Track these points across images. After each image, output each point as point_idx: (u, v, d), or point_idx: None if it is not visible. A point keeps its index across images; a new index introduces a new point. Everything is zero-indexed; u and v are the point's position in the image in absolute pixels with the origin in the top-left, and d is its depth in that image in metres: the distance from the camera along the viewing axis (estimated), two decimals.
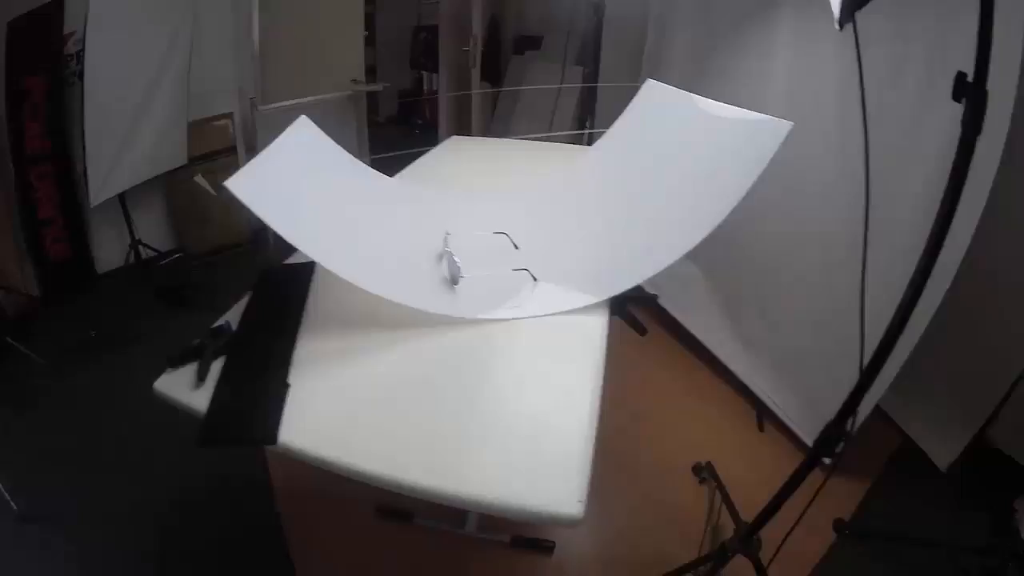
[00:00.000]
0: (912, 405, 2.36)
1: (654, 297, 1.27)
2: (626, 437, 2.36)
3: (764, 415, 2.49)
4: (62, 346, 2.72)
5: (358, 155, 4.09)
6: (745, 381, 2.60)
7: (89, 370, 2.60)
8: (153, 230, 3.38)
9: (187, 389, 0.97)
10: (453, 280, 1.26)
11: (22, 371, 2.52)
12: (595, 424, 0.97)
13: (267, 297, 1.17)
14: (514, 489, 0.85)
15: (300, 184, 1.22)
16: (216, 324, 1.11)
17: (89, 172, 2.58)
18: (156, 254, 3.32)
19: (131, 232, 3.11)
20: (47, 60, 2.63)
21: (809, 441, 2.26)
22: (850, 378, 1.86)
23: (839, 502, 2.07)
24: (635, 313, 1.32)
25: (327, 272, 1.06)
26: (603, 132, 1.77)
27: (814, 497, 1.33)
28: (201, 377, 0.98)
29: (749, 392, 2.58)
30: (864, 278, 1.25)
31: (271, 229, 0.99)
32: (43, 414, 2.35)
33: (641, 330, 1.35)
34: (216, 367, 1.01)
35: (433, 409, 1.00)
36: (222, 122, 3.48)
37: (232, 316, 1.14)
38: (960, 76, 0.99)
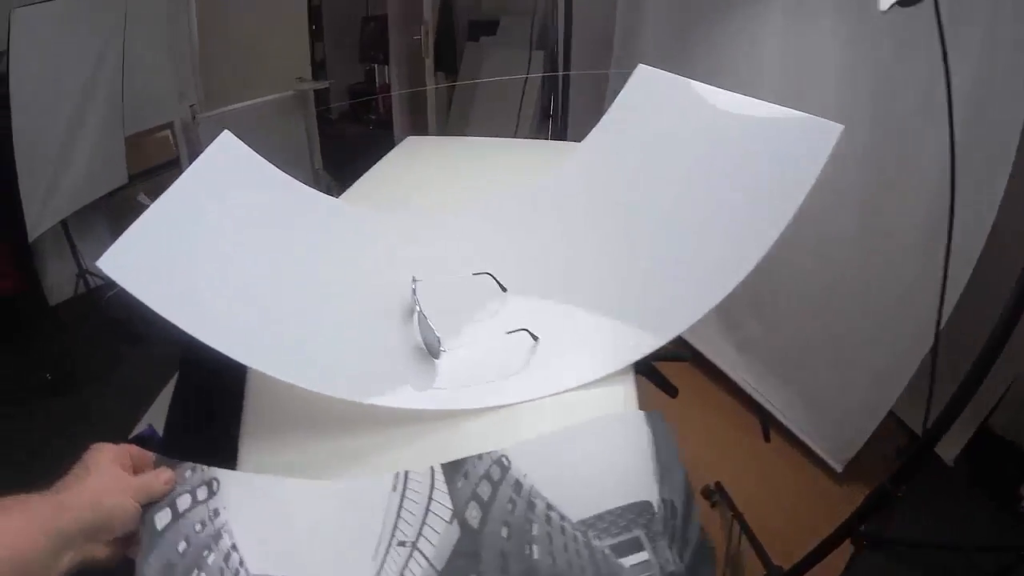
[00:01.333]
0: (917, 398, 2.20)
1: (688, 355, 1.01)
2: None
3: (769, 423, 2.38)
4: (17, 392, 2.52)
5: (308, 158, 3.94)
6: (746, 388, 2.49)
7: (48, 418, 2.40)
8: (100, 256, 3.14)
9: None
10: (431, 352, 0.90)
11: None
12: None
13: (194, 390, 0.92)
14: None
15: (212, 241, 0.93)
16: (136, 432, 0.89)
17: (24, 204, 2.37)
18: (104, 283, 3.12)
19: (78, 261, 2.93)
20: None
21: (818, 449, 2.19)
22: (857, 380, 1.86)
23: (853, 508, 1.88)
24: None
25: None
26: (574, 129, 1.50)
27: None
28: None
29: (751, 400, 2.46)
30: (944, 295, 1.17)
31: None
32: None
33: (672, 391, 1.06)
34: None
35: None
36: (162, 133, 3.26)
37: (156, 415, 0.92)
38: None
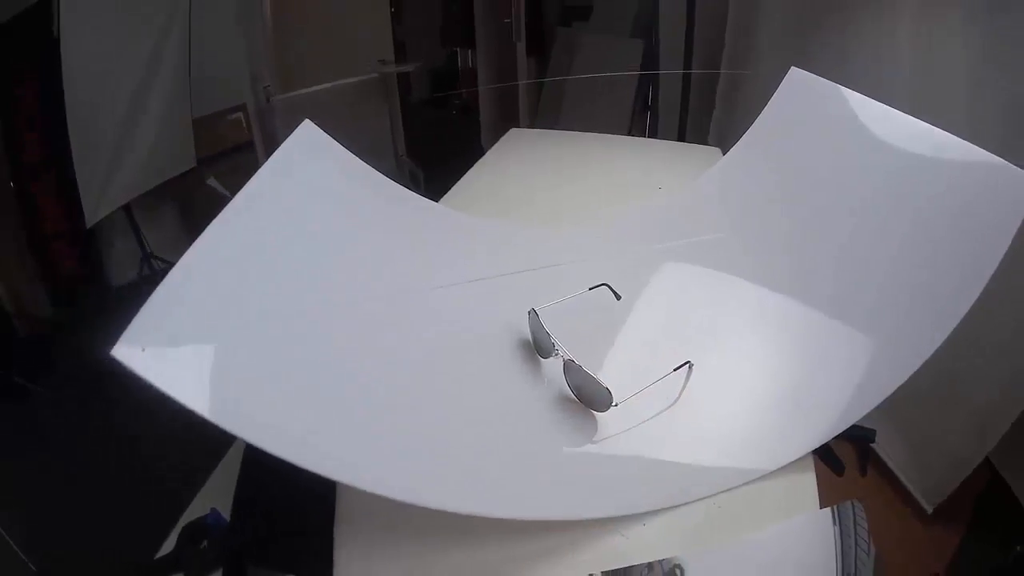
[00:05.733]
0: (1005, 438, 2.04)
1: (872, 433, 0.83)
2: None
3: (866, 456, 2.12)
4: (75, 375, 2.40)
5: (391, 144, 3.75)
6: None
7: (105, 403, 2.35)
8: (167, 240, 3.01)
9: None
10: (597, 407, 0.69)
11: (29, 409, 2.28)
12: None
13: (267, 465, 0.71)
14: None
15: (287, 301, 0.69)
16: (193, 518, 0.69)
17: (81, 188, 2.26)
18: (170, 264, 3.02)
19: (142, 246, 2.83)
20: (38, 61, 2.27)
21: (913, 489, 2.04)
22: (961, 419, 1.82)
23: (935, 550, 1.90)
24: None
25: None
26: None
27: None
28: None
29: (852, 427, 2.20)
30: None
31: None
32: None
33: (839, 468, 0.87)
34: None
35: None
36: (235, 115, 3.11)
37: (215, 493, 0.72)
38: None
